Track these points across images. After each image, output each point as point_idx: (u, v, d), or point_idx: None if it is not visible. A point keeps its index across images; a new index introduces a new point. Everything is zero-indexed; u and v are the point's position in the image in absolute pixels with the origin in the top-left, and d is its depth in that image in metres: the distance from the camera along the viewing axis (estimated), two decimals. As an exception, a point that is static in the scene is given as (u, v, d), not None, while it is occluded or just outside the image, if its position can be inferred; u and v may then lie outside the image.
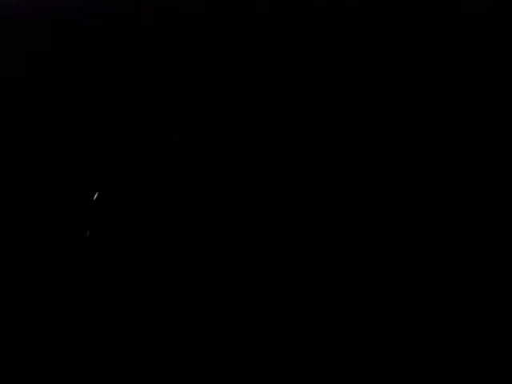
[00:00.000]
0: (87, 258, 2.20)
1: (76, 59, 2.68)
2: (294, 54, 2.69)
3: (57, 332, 1.83)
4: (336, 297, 2.00)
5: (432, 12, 2.71)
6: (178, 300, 2.00)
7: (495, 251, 2.15)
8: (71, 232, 2.30)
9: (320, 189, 2.47)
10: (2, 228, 2.29)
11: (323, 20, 2.71)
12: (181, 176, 2.54)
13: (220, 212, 2.43)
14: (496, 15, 2.67)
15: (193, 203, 2.47)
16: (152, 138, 2.61)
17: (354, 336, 1.82)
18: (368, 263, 2.13)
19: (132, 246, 2.26)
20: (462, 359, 1.71)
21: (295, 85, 2.67)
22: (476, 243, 2.20)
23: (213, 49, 2.68)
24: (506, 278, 2.03)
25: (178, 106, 2.70)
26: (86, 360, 1.72)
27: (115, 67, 2.62)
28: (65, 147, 2.59)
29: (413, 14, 2.72)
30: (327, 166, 2.55)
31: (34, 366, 1.72)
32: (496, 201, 2.36)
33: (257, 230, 2.33)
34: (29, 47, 2.73)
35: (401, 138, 2.61)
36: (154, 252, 2.24)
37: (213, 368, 1.72)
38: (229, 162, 2.63)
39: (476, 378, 1.66)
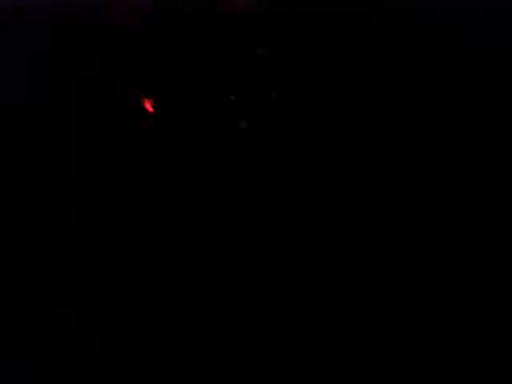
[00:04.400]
0: (88, 259, 2.20)
1: (76, 59, 2.68)
2: (294, 54, 2.69)
3: (57, 332, 1.83)
4: (336, 298, 2.00)
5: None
6: (177, 300, 2.01)
7: (495, 251, 2.15)
8: (71, 231, 2.31)
9: (320, 191, 2.48)
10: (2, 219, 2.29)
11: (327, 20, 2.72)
12: (179, 180, 2.54)
13: (220, 212, 2.43)
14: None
15: (193, 204, 2.48)
16: (152, 138, 2.61)
17: (354, 337, 1.83)
18: (370, 264, 2.14)
19: (132, 247, 2.27)
20: (461, 359, 1.72)
21: (296, 85, 2.68)
22: (475, 243, 2.20)
23: (208, 47, 2.68)
24: (505, 278, 2.03)
25: (178, 107, 2.70)
26: (86, 360, 1.72)
27: (115, 67, 2.62)
28: (64, 149, 2.60)
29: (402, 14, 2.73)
30: (325, 168, 2.56)
31: (33, 366, 1.72)
32: (495, 202, 2.36)
33: (258, 230, 2.33)
34: (29, 47, 2.73)
35: (394, 141, 2.61)
36: (153, 252, 2.25)
37: (213, 368, 1.72)
38: (229, 163, 2.63)
39: (476, 378, 1.66)
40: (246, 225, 2.37)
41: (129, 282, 2.09)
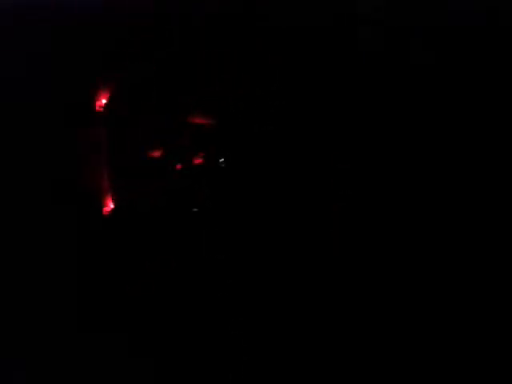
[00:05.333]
0: (88, 260, 2.20)
1: (76, 59, 2.68)
2: (295, 56, 2.69)
3: (57, 332, 1.83)
4: (336, 297, 2.01)
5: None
6: (177, 300, 2.01)
7: (495, 252, 2.15)
8: (72, 232, 2.31)
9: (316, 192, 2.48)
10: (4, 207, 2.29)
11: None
12: (178, 185, 2.54)
13: (220, 213, 2.43)
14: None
15: (193, 204, 2.48)
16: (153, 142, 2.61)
17: (353, 337, 1.83)
18: (370, 265, 2.14)
19: (132, 246, 2.27)
20: (461, 359, 1.72)
21: (296, 86, 2.67)
22: (475, 244, 2.20)
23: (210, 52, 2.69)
24: (506, 278, 2.03)
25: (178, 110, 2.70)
26: (86, 360, 1.72)
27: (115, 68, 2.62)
28: (64, 150, 2.60)
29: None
30: (324, 169, 2.55)
31: (32, 366, 1.72)
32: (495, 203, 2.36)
33: (258, 230, 2.33)
34: (29, 47, 2.73)
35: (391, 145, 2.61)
36: (153, 252, 2.25)
37: (213, 368, 1.72)
38: (228, 165, 2.63)
39: (476, 378, 1.66)
40: (246, 225, 2.37)
41: (128, 281, 2.09)
